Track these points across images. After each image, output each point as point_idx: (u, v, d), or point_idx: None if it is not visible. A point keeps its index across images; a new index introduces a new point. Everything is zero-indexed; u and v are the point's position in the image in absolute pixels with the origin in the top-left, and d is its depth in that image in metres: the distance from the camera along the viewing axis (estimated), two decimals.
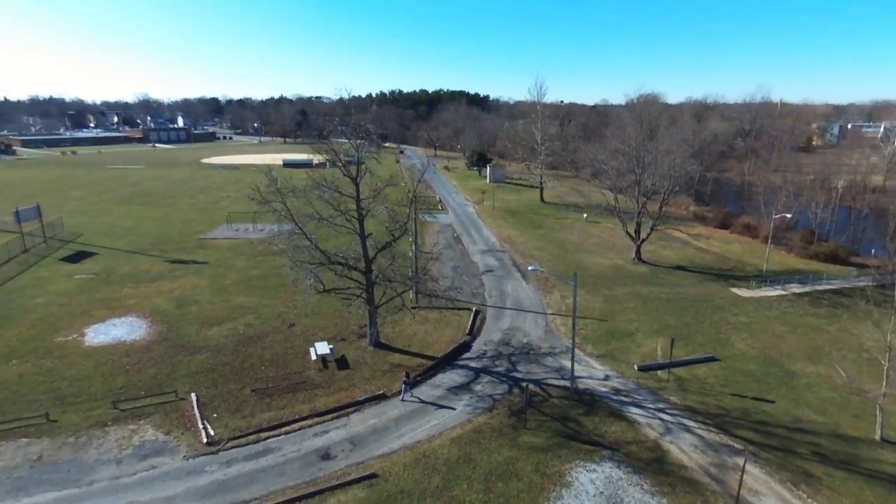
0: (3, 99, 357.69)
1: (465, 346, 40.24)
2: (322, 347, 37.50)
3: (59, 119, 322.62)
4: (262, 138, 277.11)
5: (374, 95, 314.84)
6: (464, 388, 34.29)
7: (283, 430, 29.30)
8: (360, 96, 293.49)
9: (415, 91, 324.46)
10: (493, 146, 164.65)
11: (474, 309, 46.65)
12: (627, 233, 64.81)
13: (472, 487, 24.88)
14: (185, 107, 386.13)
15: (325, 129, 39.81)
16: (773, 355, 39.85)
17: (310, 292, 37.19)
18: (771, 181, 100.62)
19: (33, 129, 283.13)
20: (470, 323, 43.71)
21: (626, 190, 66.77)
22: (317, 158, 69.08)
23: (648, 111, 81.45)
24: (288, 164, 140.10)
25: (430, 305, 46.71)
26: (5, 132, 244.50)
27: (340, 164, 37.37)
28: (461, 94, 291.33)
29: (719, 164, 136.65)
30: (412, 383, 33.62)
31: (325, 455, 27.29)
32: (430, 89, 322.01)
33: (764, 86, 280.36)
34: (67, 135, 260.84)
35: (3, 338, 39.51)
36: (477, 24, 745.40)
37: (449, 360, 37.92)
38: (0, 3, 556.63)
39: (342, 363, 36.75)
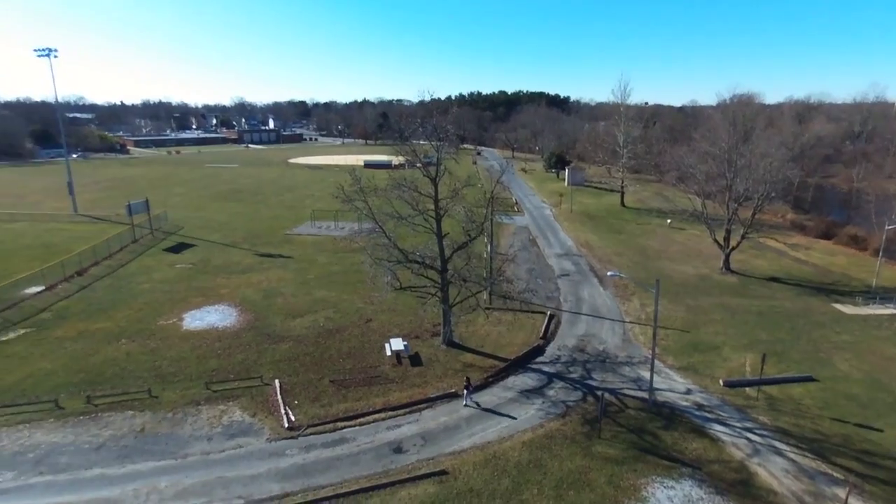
0: (119, 103, 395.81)
1: (539, 350, 39.71)
2: (397, 343, 38.36)
3: (165, 121, 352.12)
4: (345, 140, 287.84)
5: (452, 97, 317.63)
6: (536, 392, 33.84)
7: (358, 421, 30.25)
8: (439, 98, 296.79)
9: (493, 92, 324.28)
10: (572, 148, 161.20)
11: (549, 313, 45.92)
12: (715, 240, 61.23)
13: (543, 493, 24.48)
14: (276, 109, 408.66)
15: (406, 131, 40.67)
16: (883, 379, 36.14)
17: (387, 289, 38.13)
18: (884, 188, 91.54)
19: (144, 131, 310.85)
20: (544, 327, 43.07)
21: (716, 195, 63.15)
22: (396, 160, 70.99)
23: (743, 112, 76.59)
24: (369, 165, 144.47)
25: (503, 307, 46.47)
26: (121, 133, 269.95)
27: (420, 164, 38.14)
28: (540, 96, 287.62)
29: (823, 169, 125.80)
30: (473, 389, 32.99)
31: (398, 448, 27.90)
32: (510, 90, 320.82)
33: (878, 84, 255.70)
34: (172, 136, 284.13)
35: (115, 319, 43.68)
36: (559, 23, 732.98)
37: (521, 363, 37.57)
38: (119, 18, 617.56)
39: (416, 360, 37.41)
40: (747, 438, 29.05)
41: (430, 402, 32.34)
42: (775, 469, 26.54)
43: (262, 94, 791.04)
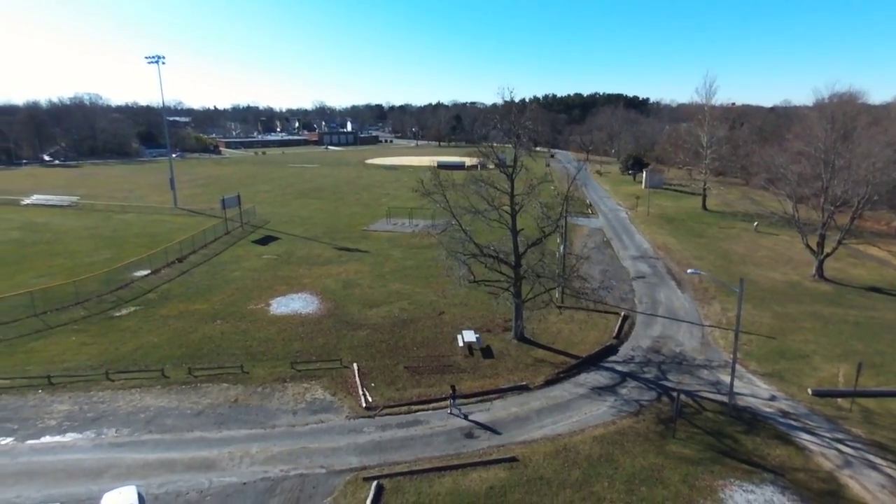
0: (213, 107, 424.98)
1: (612, 349, 39.24)
2: (469, 335, 39.19)
3: (253, 124, 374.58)
4: (419, 142, 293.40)
5: (527, 100, 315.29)
6: (608, 389, 33.58)
7: (431, 406, 31.35)
8: (513, 100, 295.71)
9: (568, 95, 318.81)
10: (650, 150, 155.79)
11: (622, 313, 45.15)
12: (808, 246, 57.46)
13: (614, 487, 24.43)
14: (354, 113, 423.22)
15: (483, 130, 41.50)
16: None
17: (461, 281, 39.08)
18: None
19: (234, 133, 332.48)
20: (617, 327, 42.44)
21: (809, 198, 59.21)
22: (469, 161, 72.01)
23: (843, 111, 71.15)
24: (442, 166, 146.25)
25: (576, 305, 46.19)
26: (214, 135, 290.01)
27: (495, 164, 38.84)
28: (618, 97, 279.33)
29: None
30: (458, 397, 31.42)
31: (469, 434, 28.70)
32: (585, 93, 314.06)
33: None
34: (259, 138, 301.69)
35: (211, 302, 47.52)
36: (639, 21, 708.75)
37: (594, 361, 37.31)
38: (216, 32, 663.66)
39: (487, 352, 38.10)
40: (837, 449, 27.43)
41: (501, 392, 32.91)
42: (869, 483, 24.94)
43: (341, 98, 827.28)
